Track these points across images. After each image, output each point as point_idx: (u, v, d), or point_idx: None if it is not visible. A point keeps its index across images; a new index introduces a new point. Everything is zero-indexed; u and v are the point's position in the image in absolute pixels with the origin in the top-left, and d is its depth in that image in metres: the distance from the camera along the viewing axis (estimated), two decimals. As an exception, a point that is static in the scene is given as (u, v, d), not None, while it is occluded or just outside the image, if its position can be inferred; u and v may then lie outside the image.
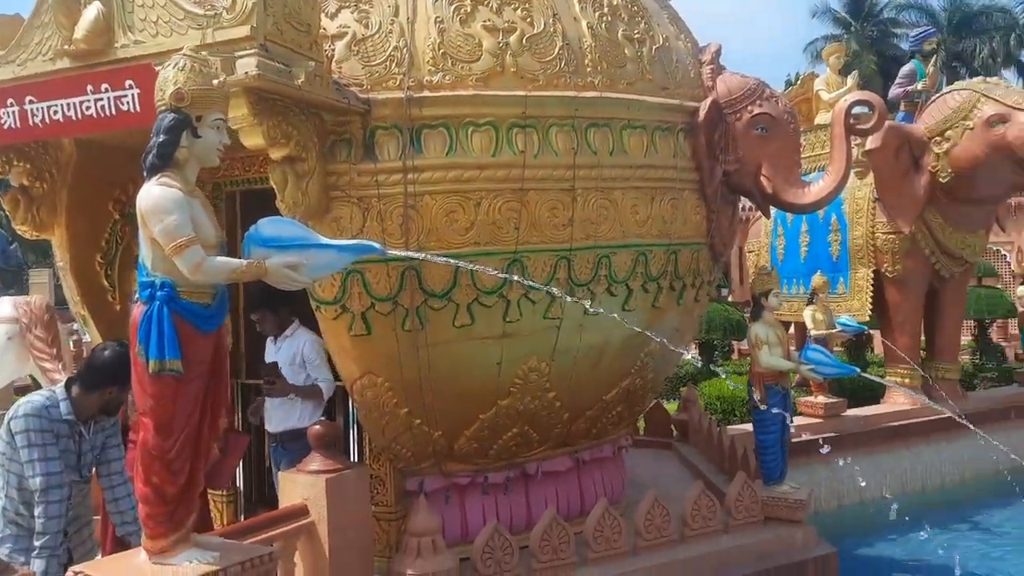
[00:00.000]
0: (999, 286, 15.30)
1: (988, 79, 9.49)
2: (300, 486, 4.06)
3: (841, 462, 5.56)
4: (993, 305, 13.46)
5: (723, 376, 7.39)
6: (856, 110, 5.63)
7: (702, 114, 5.10)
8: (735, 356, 15.20)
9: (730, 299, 16.97)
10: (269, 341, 5.22)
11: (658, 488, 5.38)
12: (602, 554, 4.71)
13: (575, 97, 4.56)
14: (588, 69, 4.67)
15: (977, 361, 12.84)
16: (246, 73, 3.45)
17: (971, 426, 6.19)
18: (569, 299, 4.29)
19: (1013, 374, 11.58)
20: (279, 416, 5.07)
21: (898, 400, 9.49)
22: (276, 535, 3.80)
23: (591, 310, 4.27)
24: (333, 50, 4.30)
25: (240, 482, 5.77)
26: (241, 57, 3.48)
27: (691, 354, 14.25)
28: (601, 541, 4.71)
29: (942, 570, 6.94)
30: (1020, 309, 11.80)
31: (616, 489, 5.84)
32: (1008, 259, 20.09)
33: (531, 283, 4.26)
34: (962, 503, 9.04)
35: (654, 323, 5.03)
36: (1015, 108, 8.32)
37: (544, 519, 4.57)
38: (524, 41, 4.50)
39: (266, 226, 3.16)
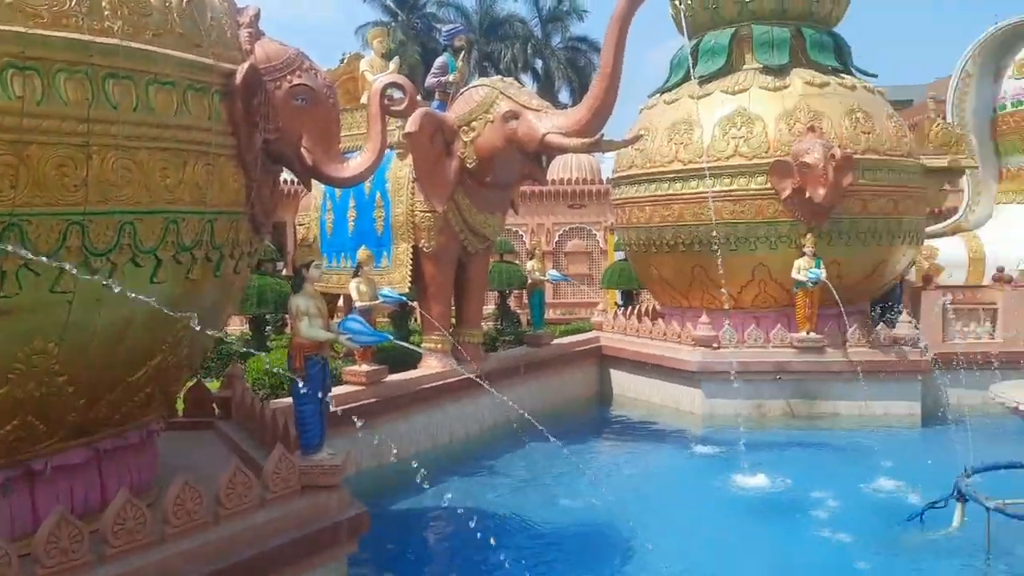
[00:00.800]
0: (516, 262, 17.70)
1: (505, 79, 10.78)
2: None
3: (360, 424, 5.84)
4: (511, 278, 15.60)
5: (241, 350, 7.35)
6: (390, 92, 5.95)
7: (239, 77, 4.91)
8: (288, 330, 15.18)
9: (284, 273, 16.90)
10: None
11: (196, 470, 5.13)
12: (123, 548, 4.30)
13: (89, 42, 4.03)
14: (106, 13, 4.16)
15: (499, 327, 14.70)
16: None
17: (485, 384, 7.09)
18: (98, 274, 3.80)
19: (523, 337, 13.50)
20: None
21: (432, 364, 10.41)
22: None
23: (108, 284, 3.83)
24: None
25: None
26: None
27: (241, 329, 13.90)
28: (122, 535, 4.31)
29: (452, 512, 7.93)
30: (530, 281, 13.77)
31: (146, 477, 5.42)
32: (524, 238, 23.45)
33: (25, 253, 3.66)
34: (481, 452, 10.35)
35: (189, 296, 4.74)
36: (525, 107, 9.60)
37: (50, 519, 4.01)
38: (23, -31, 3.83)
39: None
